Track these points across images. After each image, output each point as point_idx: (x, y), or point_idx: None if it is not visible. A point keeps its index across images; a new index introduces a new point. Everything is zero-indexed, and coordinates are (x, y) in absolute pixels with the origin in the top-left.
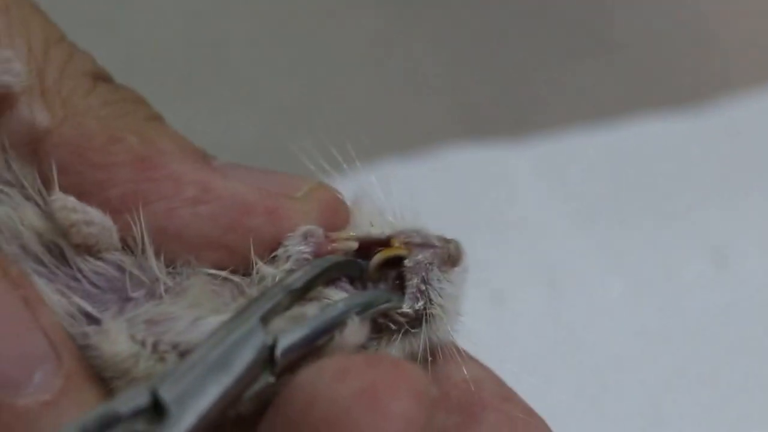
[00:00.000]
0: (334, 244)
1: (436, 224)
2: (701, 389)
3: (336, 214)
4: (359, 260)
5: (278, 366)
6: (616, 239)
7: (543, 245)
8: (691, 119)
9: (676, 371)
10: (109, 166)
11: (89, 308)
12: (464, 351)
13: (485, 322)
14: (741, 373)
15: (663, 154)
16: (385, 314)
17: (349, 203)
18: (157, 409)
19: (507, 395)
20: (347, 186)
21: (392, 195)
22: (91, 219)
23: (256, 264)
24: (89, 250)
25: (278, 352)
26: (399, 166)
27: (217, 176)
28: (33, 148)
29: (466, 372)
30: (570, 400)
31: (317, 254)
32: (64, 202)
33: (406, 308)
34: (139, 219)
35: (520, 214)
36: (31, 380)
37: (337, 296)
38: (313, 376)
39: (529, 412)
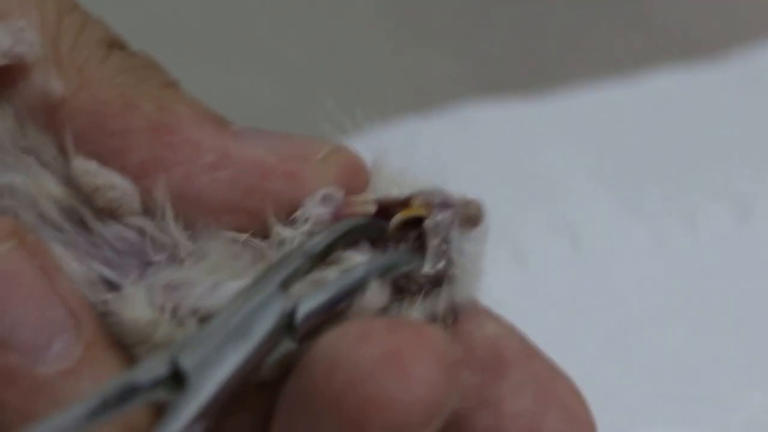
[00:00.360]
0: (353, 207)
1: (456, 181)
2: (726, 341)
3: (355, 176)
4: (379, 222)
5: (299, 332)
6: (638, 193)
7: (564, 201)
8: (711, 71)
9: (701, 323)
10: (126, 133)
11: (109, 274)
12: (487, 309)
13: (508, 279)
14: (765, 325)
15: (684, 107)
16: (406, 276)
17: (368, 164)
18: (177, 378)
19: (531, 352)
20: (366, 145)
21: (412, 154)
22: (113, 183)
23: (274, 228)
24: (112, 214)
25: (298, 317)
26: (417, 124)
27: (235, 141)
28: (49, 117)
29: (488, 330)
30: (594, 354)
31: (337, 217)
32: (86, 166)
33: (426, 270)
34: (158, 184)
35: (541, 169)
36: (50, 349)
37: (357, 259)
38: (334, 340)
39: (554, 369)
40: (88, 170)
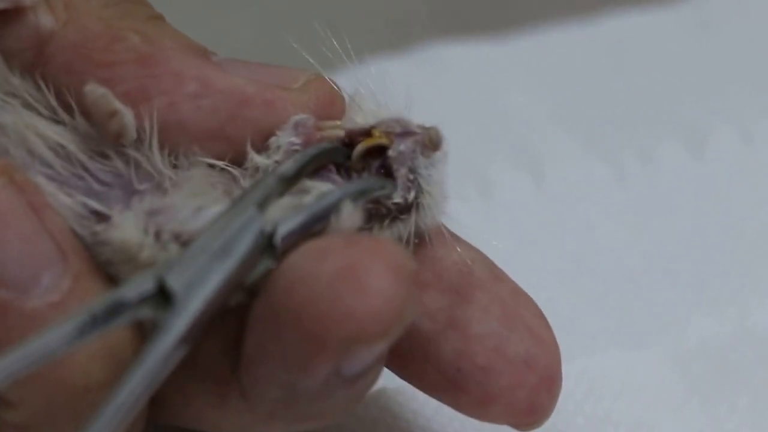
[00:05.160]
0: (322, 133)
1: (424, 118)
2: (679, 269)
3: (332, 105)
4: (345, 150)
5: (278, 251)
6: (596, 130)
7: (527, 137)
8: (667, 13)
9: (655, 253)
10: (113, 64)
11: (97, 206)
12: (455, 235)
13: (473, 211)
14: (716, 254)
15: (640, 48)
16: (376, 201)
17: (345, 96)
18: (163, 296)
19: (497, 275)
20: (338, 82)
21: (383, 91)
22: (122, 110)
23: (250, 155)
24: (119, 141)
25: (278, 238)
26: (387, 62)
27: (216, 71)
28: (37, 53)
29: (457, 255)
30: (554, 282)
31: (306, 143)
32: (101, 90)
33: (398, 198)
34: (146, 113)
35: (505, 107)
36: (39, 282)
37: (326, 187)
38: (296, 258)
39: (519, 293)
40: (105, 94)
